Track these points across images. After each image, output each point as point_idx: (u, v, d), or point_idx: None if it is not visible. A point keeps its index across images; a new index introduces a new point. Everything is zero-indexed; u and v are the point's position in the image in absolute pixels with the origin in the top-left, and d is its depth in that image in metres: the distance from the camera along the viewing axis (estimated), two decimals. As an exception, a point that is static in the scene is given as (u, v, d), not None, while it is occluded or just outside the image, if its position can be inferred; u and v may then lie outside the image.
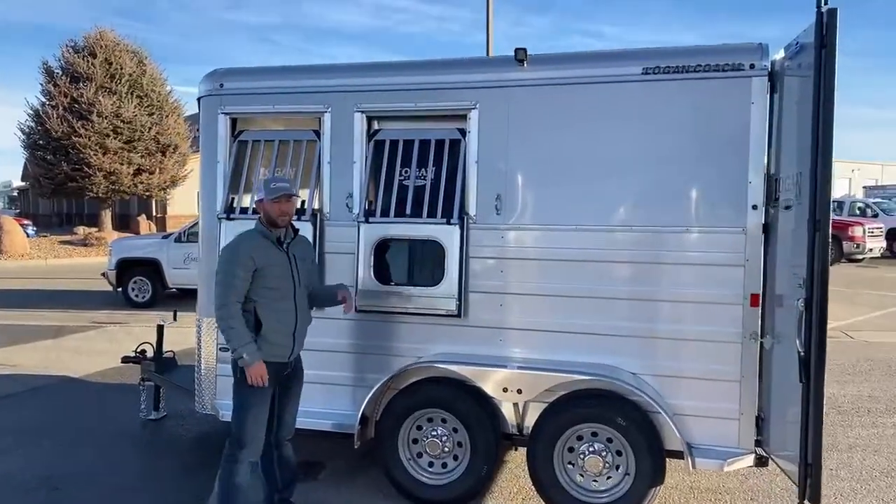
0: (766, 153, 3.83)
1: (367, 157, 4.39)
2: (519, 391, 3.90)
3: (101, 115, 25.14)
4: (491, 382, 3.97)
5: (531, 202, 4.14)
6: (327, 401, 4.45)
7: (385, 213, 4.33)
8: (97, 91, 25.48)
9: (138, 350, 5.91)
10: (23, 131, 26.41)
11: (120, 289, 12.89)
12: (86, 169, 25.18)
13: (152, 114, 26.59)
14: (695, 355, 3.91)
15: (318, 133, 4.52)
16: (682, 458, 3.80)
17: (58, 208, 45.73)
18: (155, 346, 5.91)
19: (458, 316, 4.21)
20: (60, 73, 26.21)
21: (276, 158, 4.60)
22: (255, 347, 3.42)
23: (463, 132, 4.23)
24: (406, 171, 4.33)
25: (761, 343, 3.84)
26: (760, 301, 3.81)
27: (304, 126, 4.66)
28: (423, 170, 4.32)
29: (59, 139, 25.05)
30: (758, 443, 3.92)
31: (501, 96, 4.16)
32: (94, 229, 28.10)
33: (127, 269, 12.87)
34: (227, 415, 4.60)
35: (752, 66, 3.75)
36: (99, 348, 9.14)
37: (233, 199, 4.62)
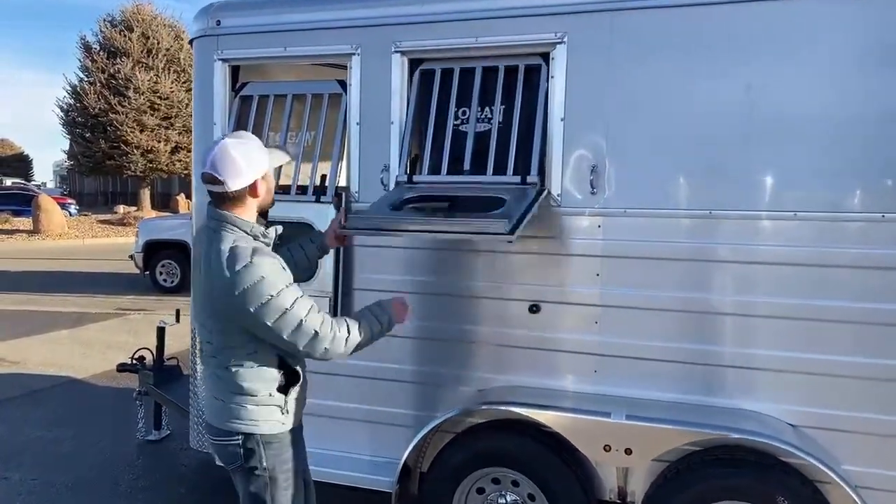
0: None
1: (408, 115, 3.19)
2: (628, 451, 2.70)
3: (137, 91, 24.52)
4: (586, 436, 2.77)
5: (642, 177, 2.90)
6: (348, 442, 3.33)
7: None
8: (134, 66, 24.85)
9: (136, 356, 4.89)
10: (62, 108, 26.02)
11: (147, 272, 12.06)
12: (123, 146, 24.65)
13: (190, 90, 25.86)
14: (887, 401, 2.65)
15: (343, 84, 3.35)
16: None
17: (103, 187, 45.87)
18: (155, 352, 4.89)
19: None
20: (98, 48, 25.64)
21: (288, 119, 3.45)
22: (385, 313, 2.35)
23: (538, 76, 3.00)
24: (461, 130, 3.13)
25: None
26: None
27: (326, 76, 3.51)
28: (484, 124, 3.12)
29: (97, 116, 24.55)
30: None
31: (601, 25, 2.91)
32: (133, 208, 27.69)
33: (155, 251, 12.03)
34: (225, 457, 3.52)
35: None
36: (115, 341, 8.27)
37: (233, 173, 3.49)
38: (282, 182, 3.39)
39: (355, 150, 3.29)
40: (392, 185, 3.18)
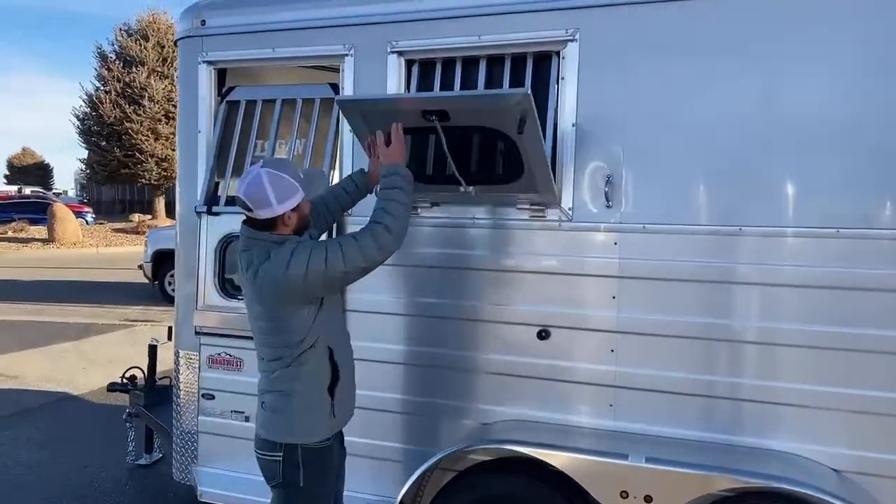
0: None
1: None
2: (648, 499, 2.38)
3: (152, 100, 24.58)
4: (601, 480, 2.46)
5: (663, 189, 2.60)
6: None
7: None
8: (149, 75, 24.91)
9: (127, 375, 4.64)
10: (77, 117, 26.15)
11: (156, 282, 11.89)
12: (138, 155, 24.71)
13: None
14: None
15: (336, 88, 3.08)
16: None
17: (120, 195, 46.09)
18: (147, 371, 4.64)
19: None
20: (114, 57, 25.73)
21: (277, 126, 3.19)
22: (388, 175, 2.36)
23: (550, 77, 2.71)
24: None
25: None
26: None
27: (318, 79, 3.25)
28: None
29: (112, 125, 24.63)
30: None
31: (617, 19, 2.62)
32: (147, 217, 27.70)
33: (164, 261, 11.83)
34: (208, 492, 3.25)
35: None
36: (119, 354, 8.06)
37: (217, 184, 3.24)
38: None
39: (348, 160, 3.02)
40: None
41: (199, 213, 3.20)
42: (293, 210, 2.21)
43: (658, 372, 2.62)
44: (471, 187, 2.64)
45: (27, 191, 37.29)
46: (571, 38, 2.67)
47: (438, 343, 2.90)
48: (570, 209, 2.70)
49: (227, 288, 3.21)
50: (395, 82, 2.92)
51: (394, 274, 2.95)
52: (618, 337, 2.66)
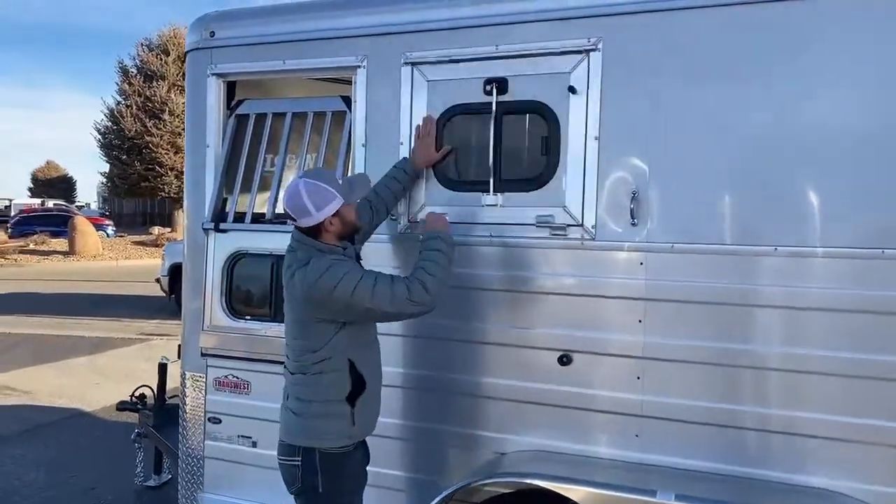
0: None
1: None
2: (679, 541, 2.21)
3: (172, 114, 24.81)
4: (627, 520, 2.29)
5: (693, 205, 2.44)
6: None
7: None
8: (170, 89, 25.15)
9: (136, 394, 4.54)
10: (99, 131, 26.48)
11: (173, 296, 11.86)
12: (158, 168, 24.92)
13: (225, 112, 26.04)
14: None
15: (348, 101, 2.97)
16: None
17: (140, 208, 46.58)
18: (156, 390, 4.54)
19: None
20: (135, 71, 26.04)
21: (286, 140, 3.08)
22: (436, 240, 2.42)
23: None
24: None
25: None
26: None
27: (329, 92, 3.14)
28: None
29: (133, 138, 24.87)
30: None
31: (646, 27, 2.48)
32: (167, 230, 27.88)
33: (181, 274, 11.82)
34: (214, 521, 3.12)
35: None
36: (134, 369, 8.00)
37: (225, 200, 3.13)
38: (278, 210, 3.01)
39: (360, 175, 2.89)
40: (402, 222, 2.80)
41: (206, 230, 3.09)
42: (334, 216, 2.27)
43: (688, 401, 2.45)
44: (497, 195, 2.66)
45: (50, 203, 37.82)
46: (594, 47, 2.54)
47: (451, 367, 2.76)
48: (592, 227, 2.55)
49: (235, 308, 3.09)
50: (408, 93, 2.80)
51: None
52: (644, 363, 2.50)
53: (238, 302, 3.09)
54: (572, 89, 2.55)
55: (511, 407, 2.69)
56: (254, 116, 3.15)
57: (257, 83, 3.25)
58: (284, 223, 2.97)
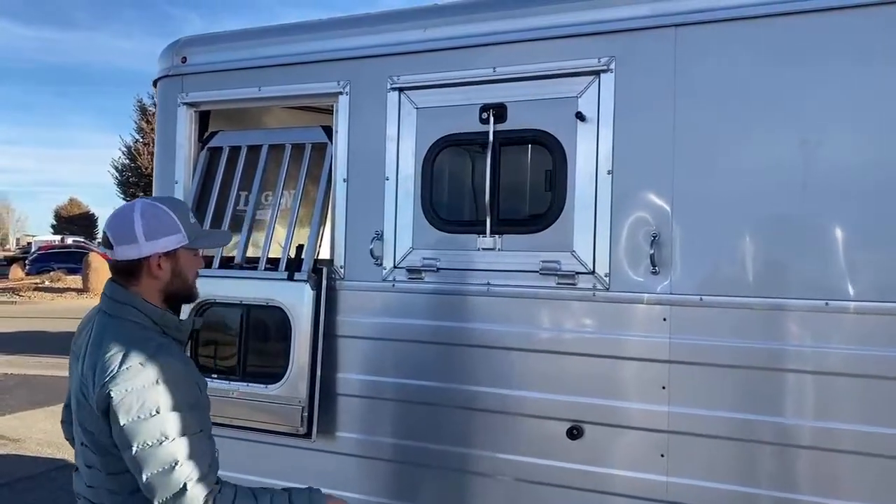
0: None
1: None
2: None
3: (189, 151, 24.96)
4: None
5: (725, 251, 2.06)
6: None
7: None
8: (187, 127, 25.38)
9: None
10: (116, 169, 26.71)
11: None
12: (174, 205, 24.95)
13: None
14: None
15: (328, 131, 2.65)
16: None
17: (160, 244, 46.76)
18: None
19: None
20: (153, 110, 26.33)
21: (261, 175, 2.76)
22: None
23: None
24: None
25: None
26: None
27: (308, 121, 2.83)
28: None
29: (149, 175, 24.97)
30: None
31: (662, 44, 2.14)
32: (182, 266, 27.83)
33: (187, 313, 11.58)
34: None
35: None
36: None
37: (193, 242, 2.79)
38: (249, 254, 2.68)
39: (341, 214, 2.56)
40: (387, 266, 2.44)
41: (170, 277, 2.75)
42: (167, 256, 1.59)
43: (724, 485, 2.04)
44: (495, 237, 2.30)
45: (69, 240, 38.09)
46: (606, 67, 2.20)
47: (441, 438, 2.37)
48: (606, 275, 2.18)
49: (200, 364, 2.73)
50: (395, 121, 2.47)
51: (388, 351, 2.45)
52: (669, 438, 2.09)
53: (203, 357, 2.73)
54: (581, 116, 2.21)
55: (511, 486, 2.28)
56: (227, 150, 2.84)
57: (232, 113, 2.95)
58: (256, 268, 2.64)
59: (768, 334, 2.01)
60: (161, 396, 1.45)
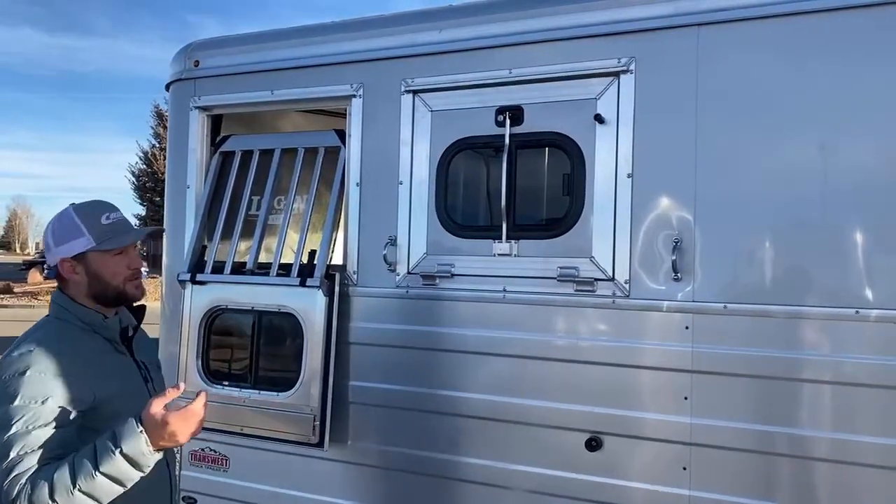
0: None
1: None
2: None
3: (205, 156, 25.13)
4: None
5: (750, 257, 2.00)
6: None
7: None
8: (203, 132, 25.55)
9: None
10: (133, 174, 26.92)
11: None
12: (190, 210, 25.15)
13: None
14: None
15: (342, 134, 2.61)
16: None
17: (176, 249, 47.21)
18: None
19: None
20: (170, 115, 26.58)
21: (274, 179, 2.72)
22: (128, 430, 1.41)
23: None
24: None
25: None
26: None
27: (321, 125, 2.80)
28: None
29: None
30: None
31: (684, 44, 2.08)
32: (198, 271, 28.03)
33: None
34: None
35: None
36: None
37: (205, 247, 2.76)
38: (261, 260, 2.64)
39: (354, 219, 2.52)
40: (401, 271, 2.39)
41: (181, 282, 2.72)
42: (76, 259, 1.58)
43: (748, 500, 1.97)
44: (511, 243, 2.23)
45: (87, 245, 38.39)
46: (625, 68, 2.14)
47: (456, 448, 2.31)
48: (626, 282, 2.11)
49: (212, 371, 2.70)
50: (408, 125, 2.42)
51: (401, 358, 2.40)
52: (692, 451, 2.02)
53: (215, 363, 2.70)
54: (599, 118, 2.15)
55: (527, 498, 2.22)
56: (239, 153, 2.81)
57: (244, 117, 2.92)
58: (268, 274, 2.60)
59: (795, 344, 1.94)
60: (21, 388, 1.45)
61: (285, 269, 2.58)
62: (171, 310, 2.85)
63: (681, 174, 2.06)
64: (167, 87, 2.99)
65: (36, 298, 22.21)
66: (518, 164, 2.28)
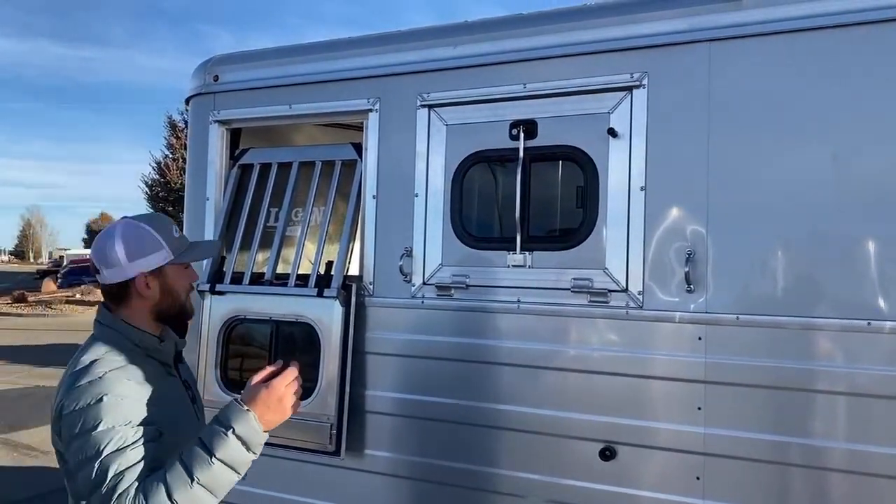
0: None
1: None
2: None
3: (217, 167, 25.29)
4: None
5: (763, 268, 2.02)
6: None
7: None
8: (215, 143, 25.72)
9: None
10: (146, 184, 27.10)
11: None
12: (201, 220, 25.28)
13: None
14: None
15: (358, 148, 2.66)
16: None
17: (188, 258, 47.41)
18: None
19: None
20: (183, 125, 26.74)
21: (292, 192, 2.77)
22: (233, 410, 1.43)
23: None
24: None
25: None
26: None
27: (338, 138, 2.84)
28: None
29: (178, 191, 25.32)
30: None
31: (696, 59, 2.11)
32: (208, 280, 28.13)
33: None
34: None
35: None
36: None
37: (224, 258, 2.81)
38: (279, 270, 2.68)
39: (370, 230, 2.56)
40: (417, 282, 2.43)
41: (200, 294, 2.77)
42: (154, 275, 1.57)
43: (762, 510, 1.98)
44: (525, 254, 2.27)
45: (100, 254, 38.65)
46: (638, 83, 2.18)
47: (471, 457, 2.34)
48: (639, 293, 2.14)
49: (230, 380, 2.74)
50: (424, 139, 2.47)
51: (417, 368, 2.43)
52: (705, 461, 2.04)
53: (232, 372, 2.74)
54: (612, 132, 2.19)
55: (543, 508, 2.24)
56: (258, 166, 2.86)
57: (263, 131, 2.97)
58: (286, 284, 2.65)
59: (807, 354, 1.96)
60: (102, 413, 1.41)
61: (303, 280, 2.62)
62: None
63: (693, 187, 2.09)
64: (187, 102, 3.05)
65: (50, 307, 22.40)
66: (532, 177, 2.31)
